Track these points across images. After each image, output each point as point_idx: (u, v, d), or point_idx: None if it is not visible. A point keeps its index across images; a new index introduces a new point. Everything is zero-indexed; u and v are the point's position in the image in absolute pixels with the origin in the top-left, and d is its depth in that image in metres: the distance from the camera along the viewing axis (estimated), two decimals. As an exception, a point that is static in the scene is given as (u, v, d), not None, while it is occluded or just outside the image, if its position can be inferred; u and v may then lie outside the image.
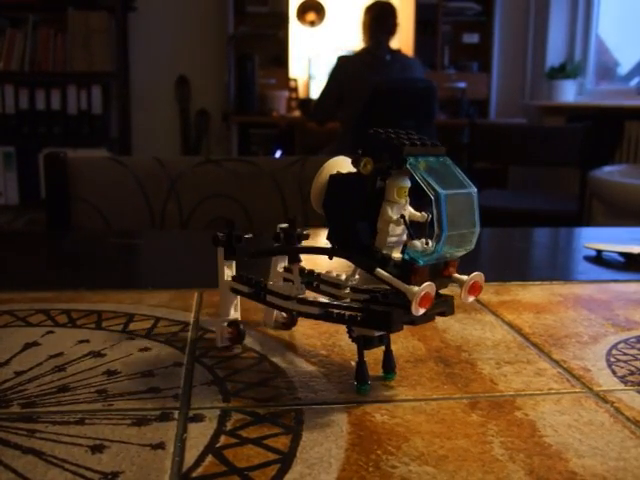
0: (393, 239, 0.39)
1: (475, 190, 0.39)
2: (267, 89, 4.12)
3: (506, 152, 3.19)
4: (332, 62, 3.30)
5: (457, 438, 0.36)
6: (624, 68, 4.35)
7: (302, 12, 4.25)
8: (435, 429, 0.37)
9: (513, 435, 0.36)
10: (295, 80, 4.28)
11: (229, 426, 0.37)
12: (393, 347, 0.44)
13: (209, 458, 0.34)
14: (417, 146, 0.38)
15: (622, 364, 0.47)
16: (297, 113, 4.14)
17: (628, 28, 4.22)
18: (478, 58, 4.39)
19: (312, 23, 4.28)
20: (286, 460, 0.34)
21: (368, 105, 2.95)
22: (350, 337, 0.41)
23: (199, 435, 0.36)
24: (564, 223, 2.93)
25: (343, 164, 0.42)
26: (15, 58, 3.73)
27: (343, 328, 0.42)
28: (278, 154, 3.93)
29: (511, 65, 4.40)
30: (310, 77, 4.29)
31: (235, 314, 0.48)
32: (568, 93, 4.16)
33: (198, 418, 0.38)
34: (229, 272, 0.48)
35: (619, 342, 0.51)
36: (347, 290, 0.44)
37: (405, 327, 0.39)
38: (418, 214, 0.40)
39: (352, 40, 4.07)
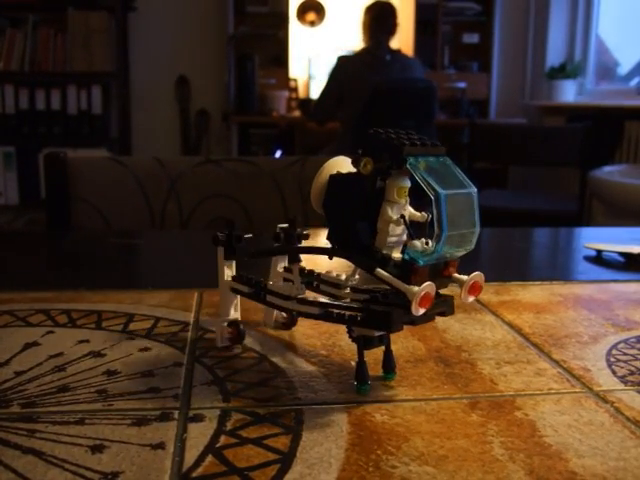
0: (393, 239, 0.39)
1: (475, 190, 0.39)
2: (267, 89, 4.12)
3: (506, 152, 3.20)
4: (332, 62, 3.30)
5: (457, 438, 0.36)
6: (624, 68, 4.35)
7: (302, 12, 4.25)
8: (435, 429, 0.37)
9: (513, 435, 0.36)
10: (295, 80, 4.28)
11: (229, 426, 0.37)
12: (393, 347, 0.44)
13: (209, 458, 0.34)
14: (417, 146, 0.38)
15: (622, 364, 0.47)
16: (297, 113, 4.14)
17: (628, 28, 4.22)
18: (478, 58, 4.39)
19: (312, 23, 4.28)
20: (286, 460, 0.34)
21: (368, 105, 2.95)
22: (350, 337, 0.41)
23: (199, 435, 0.36)
24: (564, 223, 2.93)
25: (343, 164, 0.42)
26: (15, 58, 3.73)
27: (343, 328, 0.42)
28: (278, 154, 3.93)
29: (511, 65, 4.40)
30: (310, 77, 4.29)
31: (235, 314, 0.48)
32: (568, 93, 4.16)
33: (198, 418, 0.38)
34: (229, 272, 0.48)
35: (619, 342, 0.51)
36: (347, 290, 0.44)
37: (405, 327, 0.39)
38: (418, 214, 0.40)
39: (352, 40, 4.07)
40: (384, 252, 0.39)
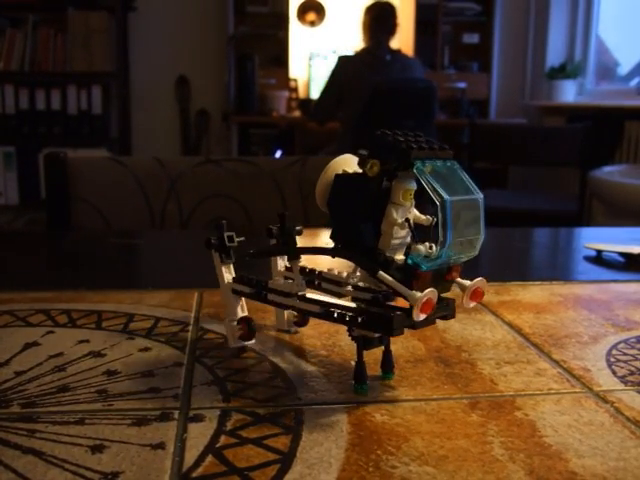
0: (397, 241, 0.39)
1: (481, 197, 0.38)
2: (267, 89, 4.12)
3: (506, 152, 3.20)
4: (332, 62, 3.30)
5: (457, 438, 0.36)
6: (624, 68, 4.35)
7: (302, 12, 4.25)
8: (435, 429, 0.37)
9: (513, 435, 0.36)
10: (295, 80, 4.28)
11: (229, 426, 0.37)
12: (393, 347, 0.44)
13: (209, 458, 0.34)
14: (424, 149, 0.37)
15: (622, 364, 0.47)
16: (297, 113, 4.14)
17: (628, 28, 4.22)
18: (478, 58, 4.39)
19: (312, 23, 4.28)
20: (286, 460, 0.34)
21: (368, 105, 2.95)
22: (350, 336, 0.41)
23: (199, 435, 0.36)
24: (564, 223, 2.93)
25: (349, 162, 0.42)
26: (15, 58, 3.73)
27: (343, 328, 0.42)
28: (278, 154, 3.93)
29: (511, 65, 4.40)
30: (310, 77, 4.29)
31: (243, 314, 0.48)
32: (568, 93, 4.16)
33: (198, 418, 0.38)
34: (229, 274, 0.48)
35: (619, 342, 0.51)
36: (349, 288, 0.44)
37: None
38: (423, 217, 0.39)
39: (352, 40, 4.07)
40: (387, 254, 0.39)
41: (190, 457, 0.34)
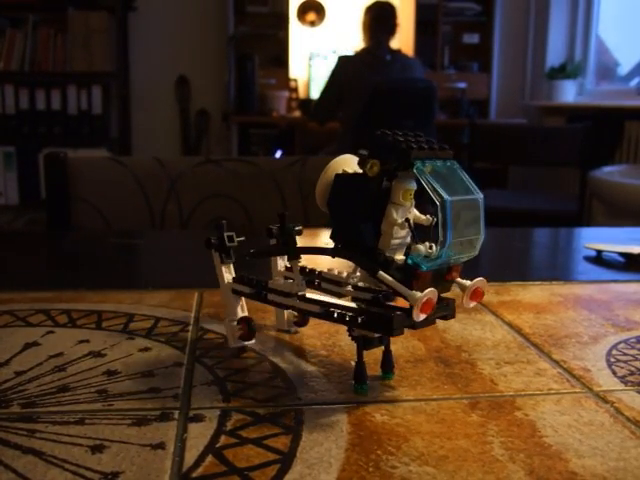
0: (397, 241, 0.39)
1: (481, 197, 0.38)
2: (267, 89, 4.12)
3: (506, 152, 3.20)
4: (332, 62, 3.30)
5: (457, 438, 0.36)
6: (624, 68, 4.35)
7: (302, 12, 4.25)
8: (435, 429, 0.37)
9: (513, 435, 0.36)
10: (295, 80, 4.28)
11: (229, 426, 0.37)
12: (393, 347, 0.44)
13: (209, 458, 0.34)
14: (424, 149, 0.37)
15: (622, 364, 0.47)
16: (297, 113, 4.14)
17: (628, 28, 4.22)
18: (478, 58, 4.39)
19: (312, 23, 4.28)
20: (286, 460, 0.34)
21: (368, 105, 2.95)
22: (350, 336, 0.41)
23: (199, 435, 0.36)
24: (564, 223, 2.93)
25: (349, 162, 0.42)
26: (15, 58, 3.73)
27: (343, 328, 0.42)
28: (278, 154, 3.93)
29: (511, 65, 4.40)
30: (310, 77, 4.29)
31: (243, 314, 0.48)
32: (568, 93, 4.16)
33: (198, 418, 0.38)
34: (229, 274, 0.48)
35: (619, 342, 0.51)
36: (349, 288, 0.44)
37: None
38: (423, 217, 0.39)
39: (352, 40, 4.07)
40: (387, 254, 0.39)
41: (190, 457, 0.34)
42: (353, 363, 0.42)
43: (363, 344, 0.41)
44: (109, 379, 0.43)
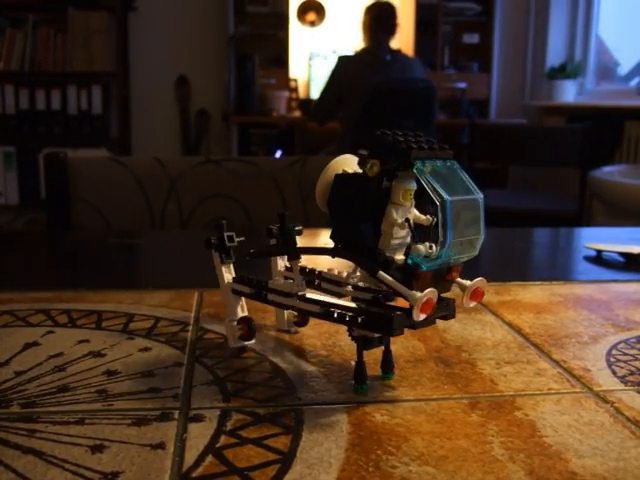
0: (397, 241, 0.39)
1: (481, 197, 0.38)
2: (267, 89, 4.12)
3: (506, 152, 3.20)
4: (332, 62, 3.30)
5: (457, 438, 0.36)
6: (624, 68, 4.35)
7: (302, 12, 4.25)
8: (435, 429, 0.37)
9: (513, 435, 0.36)
10: (295, 80, 4.28)
11: (229, 426, 0.37)
12: (393, 347, 0.44)
13: (209, 458, 0.34)
14: (424, 149, 0.37)
15: (622, 364, 0.47)
16: (297, 113, 4.14)
17: (628, 28, 4.22)
18: (478, 58, 4.39)
19: (312, 23, 4.28)
20: (286, 460, 0.34)
21: (368, 105, 2.95)
22: (350, 336, 0.41)
23: (199, 435, 0.36)
24: (564, 223, 2.93)
25: (349, 162, 0.42)
26: (15, 58, 3.73)
27: (343, 328, 0.42)
28: (278, 154, 3.93)
29: (511, 65, 4.40)
30: (310, 77, 4.29)
31: (243, 314, 0.48)
32: (568, 93, 4.16)
33: (198, 418, 0.38)
34: (229, 274, 0.48)
35: (619, 342, 0.51)
36: (349, 288, 0.44)
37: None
38: (423, 217, 0.39)
39: (352, 40, 4.07)
40: (387, 254, 0.39)
41: (190, 457, 0.34)
42: (353, 363, 0.42)
43: (363, 344, 0.41)
44: (109, 379, 0.43)
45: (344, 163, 0.42)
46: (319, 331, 0.52)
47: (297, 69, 4.28)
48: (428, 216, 0.39)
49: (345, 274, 0.44)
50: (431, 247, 0.38)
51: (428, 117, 3.13)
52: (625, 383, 0.44)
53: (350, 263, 0.41)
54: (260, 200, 1.17)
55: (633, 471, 0.33)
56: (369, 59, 3.15)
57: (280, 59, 4.22)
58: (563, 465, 0.34)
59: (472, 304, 0.40)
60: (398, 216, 0.38)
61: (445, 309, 0.40)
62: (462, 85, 4.26)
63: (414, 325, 0.38)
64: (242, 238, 0.48)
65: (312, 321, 0.51)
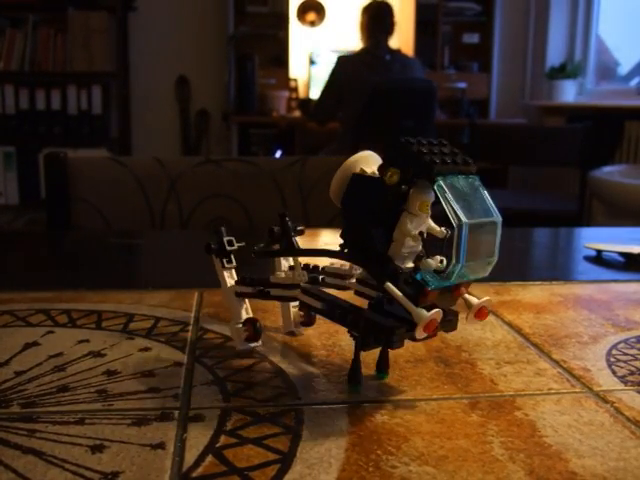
0: (407, 250, 0.38)
1: (500, 219, 0.37)
2: (267, 89, 4.12)
3: (506, 152, 3.19)
4: (332, 62, 3.31)
5: (457, 438, 0.36)
6: (624, 68, 4.35)
7: (302, 12, 4.25)
8: (435, 429, 0.37)
9: (513, 435, 0.36)
10: (295, 80, 4.28)
11: (229, 426, 0.37)
12: (393, 347, 0.43)
13: (209, 458, 0.34)
14: (448, 164, 0.36)
15: (622, 364, 0.47)
16: (297, 113, 4.14)
17: (628, 28, 4.22)
18: (478, 58, 4.39)
19: (312, 23, 4.28)
20: (286, 460, 0.34)
21: (368, 105, 2.95)
22: (350, 334, 0.41)
23: (199, 435, 0.36)
24: (564, 223, 2.93)
25: (369, 161, 0.41)
26: (15, 58, 3.73)
27: (343, 328, 0.42)
28: (278, 154, 3.93)
29: (511, 65, 4.40)
30: (310, 77, 4.29)
31: (247, 316, 0.48)
32: (568, 93, 4.16)
33: (198, 418, 0.38)
34: (230, 278, 0.48)
35: (619, 342, 0.51)
36: (352, 280, 0.43)
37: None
38: (438, 229, 0.38)
39: (352, 40, 4.06)
40: (397, 263, 0.38)
41: (190, 457, 0.34)
42: (353, 363, 0.42)
43: (362, 345, 0.41)
44: (109, 379, 0.43)
45: (363, 161, 0.41)
46: (319, 331, 0.52)
47: (297, 69, 4.28)
48: (443, 229, 0.38)
49: (348, 266, 0.44)
50: (442, 261, 0.37)
51: (428, 117, 3.13)
52: (625, 383, 0.44)
53: None
54: (260, 200, 1.17)
55: (633, 471, 0.33)
56: (369, 59, 3.15)
57: (280, 59, 4.22)
58: (563, 465, 0.34)
59: (476, 322, 0.39)
60: (412, 227, 0.37)
61: (448, 324, 0.39)
62: (462, 85, 4.26)
63: (414, 338, 0.38)
64: (242, 243, 0.48)
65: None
